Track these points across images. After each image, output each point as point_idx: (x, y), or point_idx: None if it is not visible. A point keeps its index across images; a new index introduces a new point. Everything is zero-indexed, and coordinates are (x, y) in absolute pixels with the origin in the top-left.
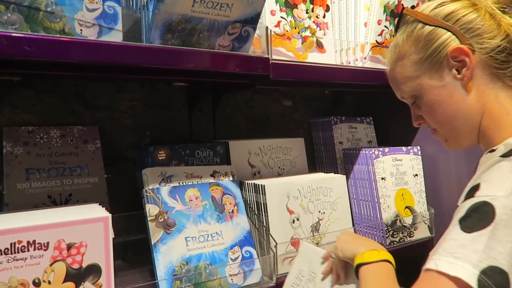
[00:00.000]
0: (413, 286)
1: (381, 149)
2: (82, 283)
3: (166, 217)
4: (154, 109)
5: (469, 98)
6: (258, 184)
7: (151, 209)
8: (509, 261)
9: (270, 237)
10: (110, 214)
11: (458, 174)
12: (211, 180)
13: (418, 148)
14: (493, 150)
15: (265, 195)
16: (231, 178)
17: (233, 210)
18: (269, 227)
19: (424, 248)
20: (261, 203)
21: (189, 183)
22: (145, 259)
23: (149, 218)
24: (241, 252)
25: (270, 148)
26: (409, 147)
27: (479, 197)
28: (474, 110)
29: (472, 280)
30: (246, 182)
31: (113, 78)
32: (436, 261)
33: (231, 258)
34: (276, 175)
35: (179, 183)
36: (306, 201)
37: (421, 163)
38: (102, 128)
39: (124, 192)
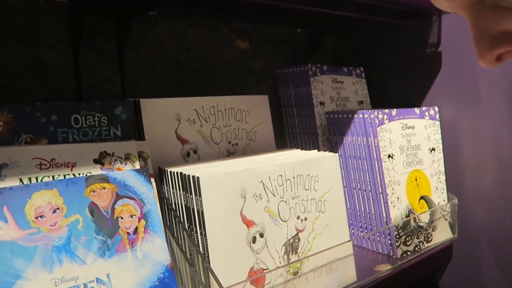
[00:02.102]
0: None
1: (385, 111)
2: None
3: None
4: (3, 43)
5: None
6: (189, 176)
7: None
8: None
9: (211, 276)
10: None
11: (495, 146)
12: (96, 170)
13: (436, 109)
14: None
15: (200, 195)
16: (137, 166)
17: (136, 229)
18: (208, 255)
19: (445, 257)
20: (193, 210)
21: (45, 180)
22: None
23: None
24: None
25: (214, 110)
26: (423, 109)
27: None
28: None
29: None
30: (169, 170)
31: None
32: None
33: None
34: (224, 154)
35: (20, 181)
36: (277, 202)
37: (439, 131)
38: None
39: None
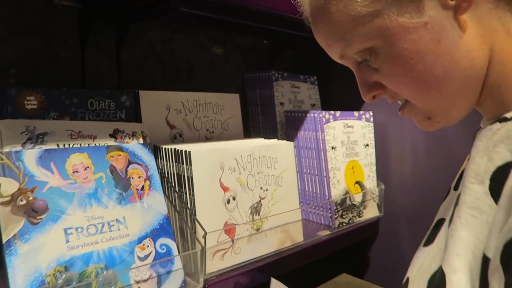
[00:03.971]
0: None
1: (331, 112)
2: None
3: (31, 198)
4: (24, 37)
5: (468, 40)
6: (182, 150)
7: (3, 186)
8: None
9: (197, 224)
10: None
11: (413, 145)
12: (111, 142)
13: (371, 114)
14: (506, 119)
15: (191, 165)
16: (141, 141)
17: (143, 187)
18: (195, 210)
19: (372, 230)
20: (184, 176)
21: (75, 146)
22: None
23: (0, 200)
24: (155, 247)
25: (196, 104)
26: (361, 112)
27: None
28: (478, 59)
29: None
30: (164, 147)
31: None
32: None
33: (139, 257)
34: (203, 139)
35: (57, 146)
36: (246, 175)
37: (373, 131)
38: None
39: None
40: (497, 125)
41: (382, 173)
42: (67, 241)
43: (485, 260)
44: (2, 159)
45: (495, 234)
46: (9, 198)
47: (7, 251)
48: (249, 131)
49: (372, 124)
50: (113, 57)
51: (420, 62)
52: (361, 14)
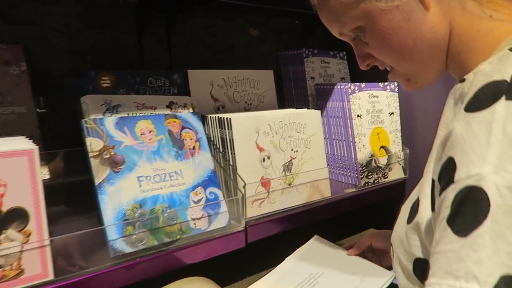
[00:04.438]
0: None
1: (357, 84)
2: (4, 231)
3: (112, 153)
4: (95, 29)
5: (431, 18)
6: (224, 118)
7: (93, 143)
8: None
9: (238, 177)
10: (37, 146)
11: (435, 113)
12: (167, 112)
13: (396, 84)
14: (463, 80)
15: (231, 129)
16: (191, 111)
17: (194, 147)
18: (236, 166)
19: (397, 190)
20: (227, 139)
21: (141, 115)
22: (94, 204)
23: (91, 154)
24: (205, 194)
25: (235, 80)
26: (386, 83)
27: (460, 181)
28: (440, 32)
29: None
30: (209, 116)
31: None
32: (436, 283)
33: (193, 200)
34: (242, 110)
35: (127, 114)
36: (278, 138)
37: (397, 100)
38: (27, 48)
39: (60, 128)
40: (458, 85)
41: (407, 139)
42: (140, 186)
43: (433, 182)
44: (90, 124)
45: (437, 162)
46: (97, 152)
47: (99, 191)
48: (283, 103)
49: (397, 94)
50: (164, 42)
51: (395, 36)
52: (350, 1)
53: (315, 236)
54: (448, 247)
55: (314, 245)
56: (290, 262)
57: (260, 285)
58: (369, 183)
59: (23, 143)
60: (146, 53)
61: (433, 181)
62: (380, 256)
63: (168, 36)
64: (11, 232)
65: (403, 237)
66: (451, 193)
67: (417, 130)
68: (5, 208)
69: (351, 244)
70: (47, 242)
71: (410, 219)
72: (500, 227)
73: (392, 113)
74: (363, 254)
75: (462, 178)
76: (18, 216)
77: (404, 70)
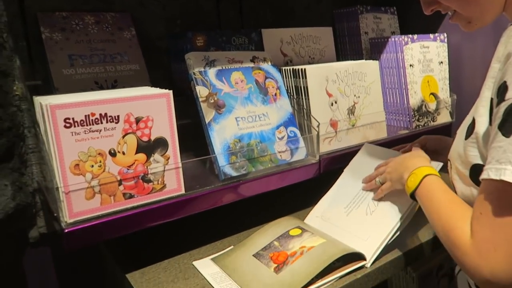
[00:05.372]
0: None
1: (410, 36)
2: (152, 154)
3: (216, 98)
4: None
5: None
6: (298, 69)
7: (201, 91)
8: None
9: (312, 118)
10: (171, 91)
11: (482, 61)
12: (252, 65)
13: (445, 35)
14: None
15: (306, 78)
16: (269, 63)
17: (275, 94)
18: (310, 110)
19: (445, 132)
20: (301, 87)
21: (232, 68)
22: (200, 143)
23: (200, 99)
24: (287, 132)
25: (301, 37)
26: (436, 34)
27: (510, 99)
28: None
29: None
30: (284, 68)
31: None
32: (488, 169)
33: (278, 137)
34: (307, 63)
35: (221, 67)
36: (343, 85)
37: (446, 50)
38: (133, 15)
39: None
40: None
41: (455, 86)
42: (238, 125)
43: (491, 100)
44: (197, 75)
45: (496, 82)
46: (204, 98)
47: (209, 128)
48: (339, 58)
49: (446, 45)
50: (237, 7)
51: None
52: None
53: (366, 143)
54: (498, 144)
55: (366, 153)
56: (344, 176)
57: (319, 205)
58: (420, 126)
59: (157, 90)
60: (222, 16)
61: (491, 100)
62: (430, 157)
63: (240, 1)
64: (157, 156)
65: (461, 151)
66: (502, 107)
67: (464, 78)
68: (153, 137)
69: (403, 145)
70: (180, 165)
71: (468, 135)
72: None
73: (441, 62)
74: None
75: (511, 97)
76: (161, 144)
77: (468, 13)
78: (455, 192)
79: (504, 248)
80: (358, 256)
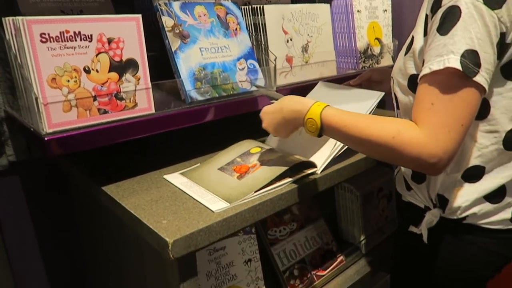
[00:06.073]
0: (415, 98)
1: None
2: (124, 74)
3: (181, 29)
4: None
5: None
6: (256, 7)
7: (167, 21)
8: (477, 42)
9: (270, 53)
10: (140, 15)
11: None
12: (213, 0)
13: None
14: None
15: (264, 15)
16: (230, 0)
17: (236, 28)
18: (268, 45)
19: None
20: (259, 24)
21: (195, 2)
22: (166, 76)
23: (166, 29)
24: (247, 64)
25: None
26: None
27: (445, 4)
28: None
29: (457, 64)
30: (243, 7)
31: None
32: (429, 65)
33: (239, 68)
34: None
35: (185, 0)
36: (298, 24)
37: (390, 0)
38: None
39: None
40: None
41: (397, 32)
42: (202, 55)
43: (426, 17)
44: (162, 6)
45: (429, 2)
46: (170, 28)
47: (175, 56)
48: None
49: None
50: None
51: None
52: None
53: (320, 81)
54: (437, 43)
55: (321, 87)
56: None
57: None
58: (365, 67)
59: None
60: None
61: (426, 16)
62: (375, 87)
63: None
64: (128, 76)
65: (401, 65)
66: (439, 13)
67: (405, 26)
68: (124, 58)
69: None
70: (150, 85)
71: (407, 52)
72: (466, 24)
73: (385, 10)
74: (360, 86)
75: (447, 2)
76: (132, 65)
77: None
78: (397, 103)
79: (456, 129)
80: (310, 165)
